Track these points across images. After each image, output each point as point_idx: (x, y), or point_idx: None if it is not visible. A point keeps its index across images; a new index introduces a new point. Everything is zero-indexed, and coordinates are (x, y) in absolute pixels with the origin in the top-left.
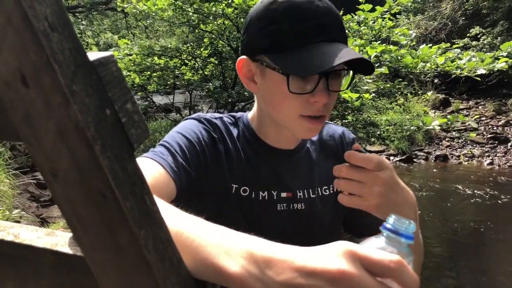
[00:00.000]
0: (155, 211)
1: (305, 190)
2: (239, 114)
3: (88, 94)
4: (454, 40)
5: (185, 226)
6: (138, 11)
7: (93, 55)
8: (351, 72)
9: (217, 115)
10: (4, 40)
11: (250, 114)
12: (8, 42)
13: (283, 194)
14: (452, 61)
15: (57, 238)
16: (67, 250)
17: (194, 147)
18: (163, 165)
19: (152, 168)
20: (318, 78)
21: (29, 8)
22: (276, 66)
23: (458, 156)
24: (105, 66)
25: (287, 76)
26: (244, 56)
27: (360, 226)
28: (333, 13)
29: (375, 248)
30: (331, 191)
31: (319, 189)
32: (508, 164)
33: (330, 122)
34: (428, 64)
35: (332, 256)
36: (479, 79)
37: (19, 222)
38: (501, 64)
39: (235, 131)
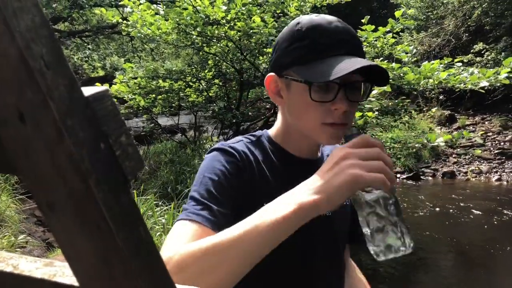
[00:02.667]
0: (149, 242)
1: None
2: (259, 132)
3: (82, 128)
4: (458, 57)
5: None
6: (142, 35)
7: (88, 90)
8: (367, 84)
9: (238, 138)
10: (2, 79)
11: (272, 131)
12: (6, 81)
13: None
14: (455, 76)
15: (56, 269)
16: (65, 280)
17: (223, 186)
18: (200, 222)
19: (190, 229)
20: (338, 88)
21: (25, 49)
22: (299, 78)
23: (466, 173)
24: (99, 101)
25: (309, 85)
26: (271, 73)
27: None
28: (351, 31)
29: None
30: (347, 202)
31: None
32: None
33: None
34: (431, 80)
35: (333, 157)
36: (483, 91)
37: (25, 247)
38: (503, 75)
39: (257, 151)
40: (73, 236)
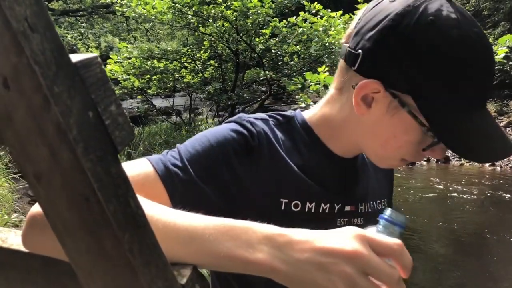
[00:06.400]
0: (140, 214)
1: (365, 203)
2: (291, 113)
3: (70, 96)
4: None
5: (188, 222)
6: (137, 15)
7: (76, 56)
8: None
9: (262, 115)
10: None
11: (308, 115)
12: None
13: (347, 208)
14: None
15: None
16: None
17: (216, 156)
18: (163, 180)
19: (145, 175)
20: None
21: (8, 9)
22: (437, 135)
23: (460, 158)
24: (88, 68)
25: (438, 141)
26: (375, 81)
27: None
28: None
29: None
30: (383, 205)
31: (374, 203)
32: (509, 165)
33: None
34: None
35: (346, 238)
36: None
37: (18, 226)
38: (501, 55)
39: (286, 136)
40: (61, 209)
